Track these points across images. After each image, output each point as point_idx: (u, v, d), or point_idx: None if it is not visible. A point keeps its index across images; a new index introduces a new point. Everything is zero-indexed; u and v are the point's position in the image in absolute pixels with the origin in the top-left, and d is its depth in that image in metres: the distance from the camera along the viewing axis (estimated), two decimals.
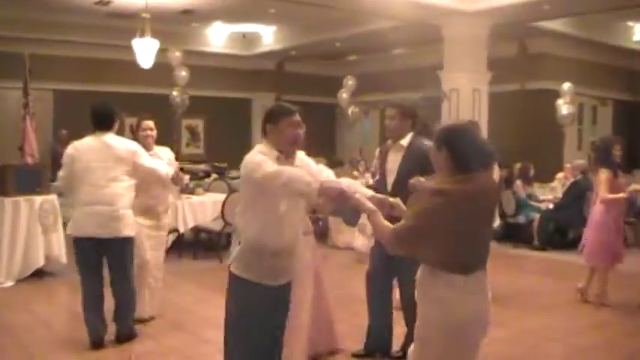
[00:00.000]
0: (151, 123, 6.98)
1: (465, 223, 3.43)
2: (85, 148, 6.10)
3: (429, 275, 3.51)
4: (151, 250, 6.86)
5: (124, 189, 6.04)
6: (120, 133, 6.39)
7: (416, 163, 5.35)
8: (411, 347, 3.71)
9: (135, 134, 7.00)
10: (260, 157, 3.86)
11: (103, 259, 6.07)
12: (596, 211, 8.13)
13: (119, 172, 6.02)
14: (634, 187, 8.05)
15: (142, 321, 6.74)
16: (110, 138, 6.11)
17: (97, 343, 6.02)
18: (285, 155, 3.99)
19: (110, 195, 5.94)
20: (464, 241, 3.44)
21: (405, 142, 5.67)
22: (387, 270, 5.68)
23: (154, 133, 6.98)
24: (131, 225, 6.10)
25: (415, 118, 5.74)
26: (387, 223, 3.54)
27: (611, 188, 7.94)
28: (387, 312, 5.89)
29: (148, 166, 6.24)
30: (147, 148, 6.72)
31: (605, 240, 8.01)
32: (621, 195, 7.98)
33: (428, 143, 5.29)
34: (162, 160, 6.80)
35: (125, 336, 6.20)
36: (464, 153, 3.49)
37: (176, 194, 10.96)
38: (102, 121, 6.17)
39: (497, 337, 6.84)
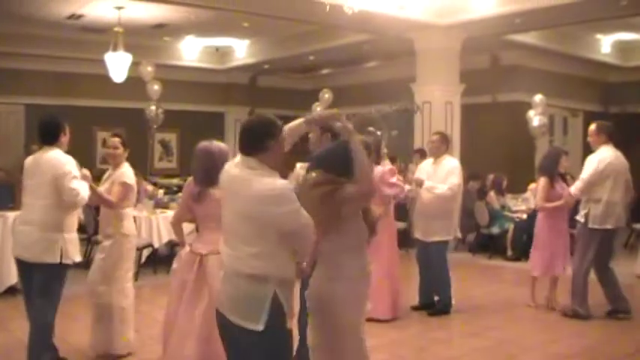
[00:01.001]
0: (115, 140, 6.46)
1: None
2: (28, 163, 5.76)
3: None
4: None
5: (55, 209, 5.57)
6: (92, 146, 6.22)
7: None
8: None
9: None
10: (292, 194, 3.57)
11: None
12: (538, 220, 8.56)
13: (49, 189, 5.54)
14: (564, 199, 8.17)
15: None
16: (51, 153, 5.64)
17: None
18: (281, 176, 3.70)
19: (39, 215, 5.55)
20: None
21: None
22: None
23: (118, 152, 6.40)
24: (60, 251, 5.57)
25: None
26: None
27: (547, 196, 8.27)
28: None
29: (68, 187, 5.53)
30: (113, 166, 6.42)
31: (541, 249, 8.45)
32: (556, 203, 8.22)
33: None
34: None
35: None
36: None
37: (150, 209, 10.93)
38: (46, 135, 5.72)
39: (475, 347, 6.90)
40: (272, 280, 3.47)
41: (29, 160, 5.74)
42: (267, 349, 3.45)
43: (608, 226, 7.85)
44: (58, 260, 5.52)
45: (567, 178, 8.77)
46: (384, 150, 7.59)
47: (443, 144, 8.30)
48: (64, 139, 5.78)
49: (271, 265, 3.49)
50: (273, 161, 3.64)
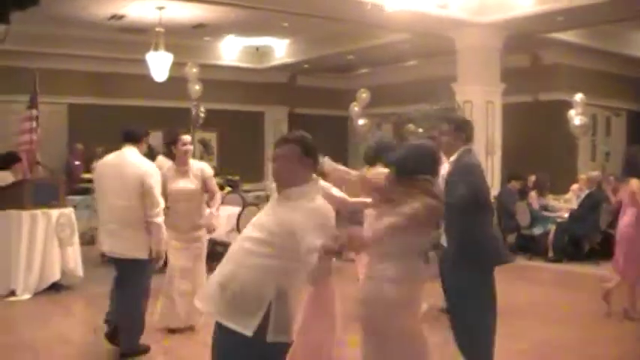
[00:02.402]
0: (187, 137, 6.98)
1: None
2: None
3: None
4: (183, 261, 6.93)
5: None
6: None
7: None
8: None
9: (149, 148, 6.99)
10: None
11: None
12: (625, 224, 7.95)
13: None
14: None
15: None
16: (132, 154, 6.15)
17: None
18: None
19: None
20: None
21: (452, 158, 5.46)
22: None
23: (190, 147, 6.99)
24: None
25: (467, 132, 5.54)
26: None
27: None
28: None
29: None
30: (181, 162, 6.88)
31: (635, 252, 7.83)
32: None
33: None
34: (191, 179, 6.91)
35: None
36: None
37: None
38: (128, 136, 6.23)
39: (513, 349, 6.83)
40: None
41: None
42: None
43: None
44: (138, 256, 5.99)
45: None
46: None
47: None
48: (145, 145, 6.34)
49: None
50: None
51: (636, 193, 7.69)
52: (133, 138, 6.15)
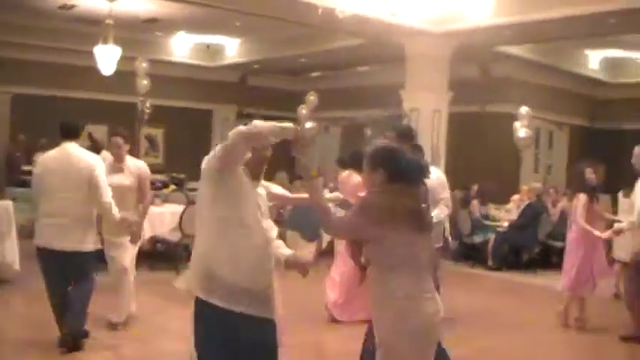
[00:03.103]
0: (119, 140, 6.99)
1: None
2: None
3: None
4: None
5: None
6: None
7: None
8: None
9: (94, 142, 7.02)
10: None
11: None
12: (574, 238, 8.19)
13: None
14: (618, 226, 7.81)
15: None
16: (74, 148, 6.14)
17: None
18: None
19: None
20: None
21: None
22: None
23: (124, 149, 7.01)
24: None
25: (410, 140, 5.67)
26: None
27: (587, 213, 8.01)
28: None
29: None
30: (116, 159, 6.93)
31: (581, 266, 8.08)
32: (599, 235, 7.98)
33: None
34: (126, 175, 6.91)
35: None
36: (399, 172, 3.77)
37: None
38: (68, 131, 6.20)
39: (455, 356, 6.89)
40: None
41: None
42: None
43: None
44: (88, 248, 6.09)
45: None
46: None
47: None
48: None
49: None
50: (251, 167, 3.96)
51: (577, 208, 7.98)
52: (72, 133, 6.19)
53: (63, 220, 5.91)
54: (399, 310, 3.67)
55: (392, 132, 5.73)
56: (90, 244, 6.07)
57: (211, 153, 3.80)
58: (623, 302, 8.23)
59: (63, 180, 5.94)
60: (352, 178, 7.93)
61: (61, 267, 6.00)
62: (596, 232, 7.97)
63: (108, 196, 6.07)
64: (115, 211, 6.11)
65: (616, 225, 7.91)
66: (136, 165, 7.07)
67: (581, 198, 8.03)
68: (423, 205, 3.88)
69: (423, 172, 3.87)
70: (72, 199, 5.91)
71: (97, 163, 6.09)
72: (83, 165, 5.98)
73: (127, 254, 6.98)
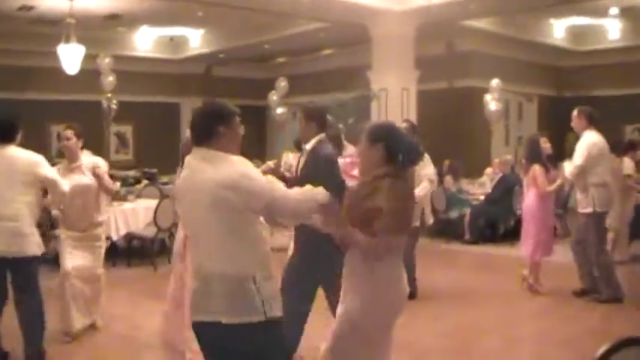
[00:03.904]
0: (67, 132, 6.57)
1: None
2: None
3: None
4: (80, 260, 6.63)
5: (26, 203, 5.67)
6: (46, 140, 6.20)
7: (315, 168, 5.30)
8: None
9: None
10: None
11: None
12: (531, 206, 8.47)
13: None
14: (559, 182, 8.42)
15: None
16: (12, 150, 5.72)
17: None
18: None
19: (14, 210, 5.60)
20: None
21: (309, 146, 5.50)
22: None
23: (72, 142, 6.53)
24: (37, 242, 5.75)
25: (321, 121, 5.57)
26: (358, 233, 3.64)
27: (544, 182, 8.29)
28: None
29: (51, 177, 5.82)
30: (69, 159, 6.56)
31: (542, 233, 8.39)
32: (550, 188, 8.28)
33: (329, 151, 5.43)
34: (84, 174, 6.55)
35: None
36: (398, 149, 3.72)
37: (108, 202, 10.81)
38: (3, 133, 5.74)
39: (433, 331, 6.96)
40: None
41: None
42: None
43: (610, 208, 8.01)
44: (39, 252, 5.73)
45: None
46: (344, 142, 7.57)
47: (412, 134, 8.19)
48: (19, 136, 5.85)
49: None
50: (228, 150, 3.42)
51: (537, 177, 8.24)
52: (10, 136, 5.75)
53: (9, 224, 5.56)
54: (379, 289, 3.70)
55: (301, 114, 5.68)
56: (40, 248, 5.75)
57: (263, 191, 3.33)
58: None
59: (7, 182, 5.58)
60: None
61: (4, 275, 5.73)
62: (549, 188, 8.29)
63: (64, 185, 5.85)
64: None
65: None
66: (90, 161, 6.64)
67: (537, 168, 8.30)
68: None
69: (420, 154, 3.84)
70: (22, 200, 5.61)
71: (42, 161, 5.78)
72: (28, 164, 5.67)
73: (98, 254, 6.84)
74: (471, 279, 9.66)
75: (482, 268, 10.66)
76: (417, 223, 7.72)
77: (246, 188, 3.25)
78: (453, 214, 12.85)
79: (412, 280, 7.88)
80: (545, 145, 8.59)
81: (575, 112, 8.12)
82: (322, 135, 5.49)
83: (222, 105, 3.57)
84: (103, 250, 6.96)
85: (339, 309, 3.85)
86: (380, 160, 3.73)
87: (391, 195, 3.61)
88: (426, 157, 7.67)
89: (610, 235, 9.89)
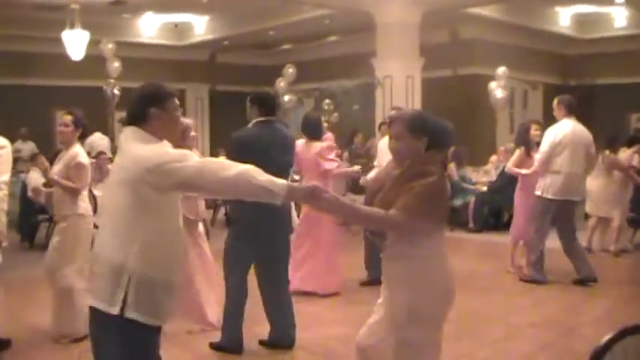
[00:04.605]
0: (66, 118, 6.16)
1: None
2: None
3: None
4: None
5: None
6: (51, 127, 6.13)
7: None
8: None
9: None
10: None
11: None
12: (517, 192, 8.91)
13: None
14: (533, 168, 8.52)
15: None
16: None
17: None
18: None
19: None
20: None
21: None
22: None
23: (68, 129, 6.11)
24: None
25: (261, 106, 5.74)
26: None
27: (520, 164, 8.65)
28: None
29: None
30: (63, 145, 6.31)
31: (520, 217, 8.81)
32: (523, 171, 8.61)
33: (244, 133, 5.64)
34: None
35: None
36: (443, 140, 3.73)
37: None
38: None
39: None
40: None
41: None
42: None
43: (568, 198, 8.02)
44: None
45: None
46: (325, 124, 7.59)
47: None
48: None
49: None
50: (160, 133, 3.34)
51: (513, 160, 8.82)
52: None
53: None
54: (431, 271, 3.69)
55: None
56: None
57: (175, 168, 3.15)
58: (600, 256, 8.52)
59: None
60: (312, 147, 7.52)
61: None
62: (523, 171, 8.59)
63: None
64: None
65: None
66: (70, 154, 6.15)
67: (517, 152, 8.73)
68: None
69: (453, 136, 3.83)
70: None
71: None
72: None
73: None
74: (475, 267, 9.66)
75: (486, 256, 10.66)
76: None
77: (158, 166, 3.12)
78: (457, 202, 12.82)
79: None
80: (536, 132, 8.70)
81: (555, 101, 8.39)
82: (260, 119, 5.65)
83: (159, 87, 3.48)
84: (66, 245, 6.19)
85: (382, 299, 3.80)
86: (421, 151, 3.64)
87: (429, 181, 3.54)
88: None
89: (591, 222, 10.37)
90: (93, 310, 3.26)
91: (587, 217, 10.71)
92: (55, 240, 6.17)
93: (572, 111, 8.16)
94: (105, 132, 13.71)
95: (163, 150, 3.26)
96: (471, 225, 12.54)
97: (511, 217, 12.57)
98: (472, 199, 12.66)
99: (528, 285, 8.30)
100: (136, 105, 3.36)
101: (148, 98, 3.37)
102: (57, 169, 6.16)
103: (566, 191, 8.02)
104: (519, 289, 8.25)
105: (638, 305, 7.38)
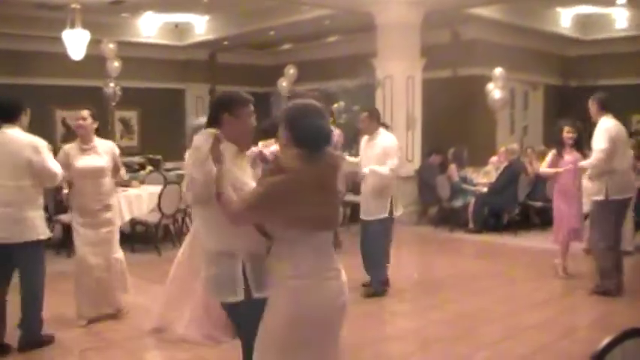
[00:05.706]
0: (84, 112, 6.55)
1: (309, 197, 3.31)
2: None
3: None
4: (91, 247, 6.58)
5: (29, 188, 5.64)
6: (51, 125, 6.19)
7: None
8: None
9: (68, 128, 6.81)
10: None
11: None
12: (555, 194, 8.82)
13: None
14: (557, 169, 8.57)
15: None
16: (12, 132, 5.66)
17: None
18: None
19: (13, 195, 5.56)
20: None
21: None
22: None
23: (87, 122, 6.51)
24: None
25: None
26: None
27: (552, 165, 8.64)
28: None
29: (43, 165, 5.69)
30: (82, 139, 6.53)
31: (557, 217, 8.67)
32: (542, 169, 8.76)
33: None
34: (100, 155, 6.54)
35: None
36: (302, 133, 3.36)
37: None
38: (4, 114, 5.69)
39: (436, 320, 6.96)
40: None
41: None
42: None
43: (627, 195, 7.86)
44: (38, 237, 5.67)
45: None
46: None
47: (372, 121, 8.09)
48: (24, 118, 5.83)
49: None
50: (232, 137, 3.57)
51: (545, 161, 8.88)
52: (7, 116, 5.69)
53: (7, 209, 5.51)
54: (292, 292, 3.28)
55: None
56: (42, 232, 5.70)
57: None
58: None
59: (3, 166, 5.55)
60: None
61: (6, 261, 5.66)
62: (558, 170, 8.53)
63: (55, 177, 5.77)
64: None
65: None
66: (106, 144, 6.69)
67: (551, 153, 8.74)
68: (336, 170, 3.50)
69: (324, 139, 3.41)
70: (16, 185, 5.54)
71: (37, 144, 5.66)
72: (23, 148, 5.58)
73: (110, 239, 6.73)
74: (475, 268, 9.66)
75: (486, 258, 10.65)
76: (386, 214, 7.72)
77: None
78: (457, 202, 12.81)
79: (383, 268, 7.95)
80: (567, 134, 8.53)
81: (590, 100, 8.01)
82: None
83: (233, 95, 3.76)
84: (116, 235, 6.83)
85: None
86: (288, 143, 3.40)
87: (276, 179, 3.29)
88: (394, 146, 7.81)
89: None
90: None
91: (587, 217, 10.65)
92: (105, 230, 6.63)
93: (605, 108, 7.88)
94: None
95: None
96: (470, 226, 12.52)
97: (511, 218, 12.65)
98: (472, 199, 12.64)
99: (527, 287, 8.30)
100: (211, 111, 3.74)
101: (221, 105, 3.71)
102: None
103: (627, 188, 7.84)
104: (519, 291, 8.24)
105: (638, 308, 7.36)
